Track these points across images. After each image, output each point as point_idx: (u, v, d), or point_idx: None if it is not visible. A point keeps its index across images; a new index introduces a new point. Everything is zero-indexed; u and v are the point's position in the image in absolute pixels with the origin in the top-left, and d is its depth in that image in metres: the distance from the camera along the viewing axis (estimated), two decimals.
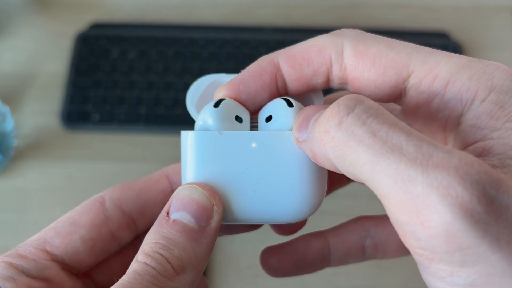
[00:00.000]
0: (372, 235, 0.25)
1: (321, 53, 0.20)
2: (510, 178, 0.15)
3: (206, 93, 0.23)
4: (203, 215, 0.19)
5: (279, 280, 0.27)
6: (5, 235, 0.48)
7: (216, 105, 0.20)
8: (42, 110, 0.55)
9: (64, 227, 0.21)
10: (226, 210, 0.20)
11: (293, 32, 0.60)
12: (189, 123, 0.51)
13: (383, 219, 0.25)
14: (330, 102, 0.19)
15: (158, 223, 0.19)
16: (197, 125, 0.21)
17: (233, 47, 0.57)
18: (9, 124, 0.51)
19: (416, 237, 0.15)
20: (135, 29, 0.59)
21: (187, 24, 0.60)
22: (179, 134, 0.22)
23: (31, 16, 0.61)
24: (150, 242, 0.18)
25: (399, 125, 0.16)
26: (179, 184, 0.23)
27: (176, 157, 0.32)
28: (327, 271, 0.26)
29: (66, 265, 0.21)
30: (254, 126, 0.21)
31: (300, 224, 0.24)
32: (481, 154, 0.17)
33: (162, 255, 0.18)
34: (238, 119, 0.21)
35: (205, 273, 0.46)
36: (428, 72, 0.18)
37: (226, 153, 0.20)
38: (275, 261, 0.25)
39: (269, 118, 0.21)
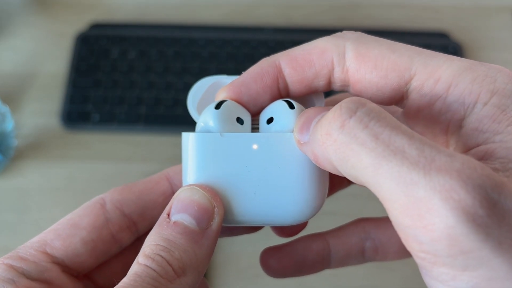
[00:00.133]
0: (372, 237, 0.25)
1: (323, 55, 0.20)
2: None
3: (207, 95, 0.23)
4: (204, 217, 0.19)
5: (279, 281, 0.27)
6: (5, 235, 0.48)
7: (218, 106, 0.20)
8: (42, 110, 0.55)
9: (65, 229, 0.21)
10: (227, 211, 0.20)
11: (293, 32, 0.60)
12: (189, 124, 0.51)
13: (384, 221, 0.25)
14: (331, 104, 0.19)
15: (159, 225, 0.19)
16: (198, 126, 0.21)
17: (233, 47, 0.57)
18: (9, 124, 0.51)
19: (418, 240, 0.15)
20: (135, 29, 0.59)
21: (187, 24, 0.60)
22: (179, 134, 0.22)
23: (31, 16, 0.61)
24: (150, 244, 0.18)
25: (401, 128, 0.16)
26: (179, 185, 0.23)
27: (176, 157, 0.32)
28: (326, 272, 0.26)
29: (67, 267, 0.21)
30: (255, 128, 0.21)
31: (301, 226, 0.24)
32: (483, 157, 0.17)
33: (162, 257, 0.18)
34: (239, 120, 0.21)
35: (205, 273, 0.46)
36: (430, 75, 0.18)
37: (227, 154, 0.20)
38: (275, 261, 0.25)
39: (270, 120, 0.21)
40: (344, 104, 0.17)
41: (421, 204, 0.14)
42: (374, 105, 0.17)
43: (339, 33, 0.21)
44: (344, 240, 0.25)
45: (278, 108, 0.21)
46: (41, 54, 0.58)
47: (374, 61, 0.19)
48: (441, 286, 0.16)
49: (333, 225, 0.26)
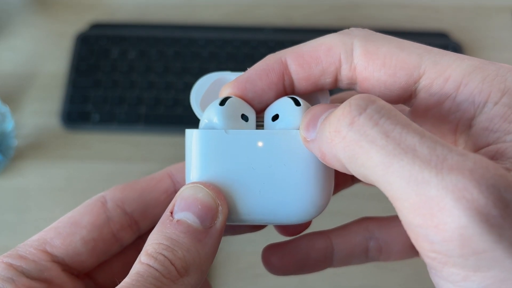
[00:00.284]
0: (376, 237, 0.24)
1: (330, 52, 0.20)
2: None
3: (210, 91, 0.23)
4: (207, 215, 0.19)
5: (279, 280, 0.26)
6: (5, 235, 0.48)
7: (222, 103, 0.20)
8: (42, 110, 0.55)
9: (65, 228, 0.21)
10: (231, 210, 0.20)
11: (293, 32, 0.60)
12: (189, 123, 0.51)
13: (388, 220, 0.25)
14: (337, 102, 0.19)
15: (161, 223, 0.19)
16: (202, 123, 0.21)
17: (233, 47, 0.57)
18: (9, 124, 0.51)
19: (429, 240, 0.15)
20: (135, 29, 0.59)
21: (187, 24, 0.60)
22: (179, 134, 0.22)
23: (31, 16, 0.61)
24: (153, 243, 0.18)
25: (412, 126, 0.15)
26: (182, 183, 0.23)
27: (176, 157, 0.32)
28: (327, 271, 0.26)
29: (67, 266, 0.21)
30: (260, 125, 0.21)
31: (305, 225, 0.23)
32: (494, 157, 0.17)
33: (165, 257, 0.18)
34: (244, 117, 0.20)
35: None
36: (440, 73, 0.18)
37: (232, 152, 0.20)
38: (277, 259, 0.24)
39: (275, 117, 0.20)
40: (353, 101, 0.16)
41: (432, 203, 0.14)
42: (384, 102, 0.16)
43: (346, 30, 0.20)
44: (348, 239, 0.25)
45: (283, 105, 0.20)
46: (41, 54, 0.58)
47: (382, 59, 0.19)
48: (451, 286, 0.15)
49: (335, 224, 0.25)
